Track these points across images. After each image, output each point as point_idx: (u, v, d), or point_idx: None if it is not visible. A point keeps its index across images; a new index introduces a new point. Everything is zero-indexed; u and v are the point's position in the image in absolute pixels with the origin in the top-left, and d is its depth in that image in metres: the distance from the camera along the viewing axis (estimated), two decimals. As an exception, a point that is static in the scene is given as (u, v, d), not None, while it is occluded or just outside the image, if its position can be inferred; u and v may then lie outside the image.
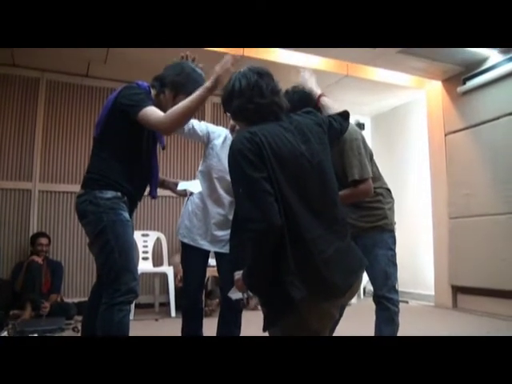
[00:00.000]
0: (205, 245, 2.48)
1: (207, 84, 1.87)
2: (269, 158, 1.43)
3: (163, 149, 2.32)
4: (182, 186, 2.47)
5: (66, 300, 4.66)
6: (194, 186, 2.49)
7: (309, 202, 1.46)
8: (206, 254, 2.53)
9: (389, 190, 2.53)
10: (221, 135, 2.55)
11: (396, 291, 2.39)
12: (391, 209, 2.48)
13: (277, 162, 1.44)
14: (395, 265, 2.42)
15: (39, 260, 4.38)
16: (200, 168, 2.60)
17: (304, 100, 2.11)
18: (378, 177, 2.44)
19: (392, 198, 2.54)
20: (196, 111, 1.98)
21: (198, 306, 2.56)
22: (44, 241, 4.58)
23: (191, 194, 2.51)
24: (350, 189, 2.23)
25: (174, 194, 2.62)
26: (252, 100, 1.54)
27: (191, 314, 2.54)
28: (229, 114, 1.66)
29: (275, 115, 1.57)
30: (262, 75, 1.59)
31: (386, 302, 2.34)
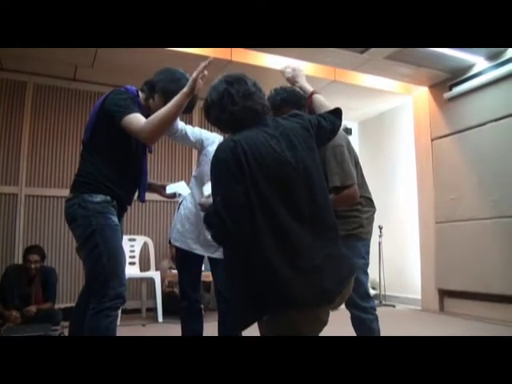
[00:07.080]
0: (197, 249, 2.49)
1: (184, 89, 1.88)
2: (251, 168, 1.43)
3: (150, 152, 2.32)
4: (170, 188, 2.46)
5: (52, 306, 4.59)
6: (182, 188, 2.47)
7: (296, 210, 1.46)
8: (200, 257, 2.54)
9: (370, 199, 2.51)
10: (214, 141, 2.55)
11: (370, 298, 2.40)
12: (369, 218, 2.46)
13: (260, 171, 1.44)
14: (366, 273, 2.43)
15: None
16: (194, 173, 2.64)
17: (289, 100, 2.10)
18: (360, 184, 2.38)
19: (373, 206, 2.52)
20: (175, 117, 1.98)
21: (196, 305, 2.56)
22: (34, 257, 4.12)
23: (179, 195, 2.50)
24: (332, 195, 2.18)
25: (161, 198, 2.61)
26: (225, 109, 1.59)
27: (190, 313, 2.53)
28: None
29: (253, 119, 1.58)
30: (231, 82, 1.61)
31: (360, 313, 2.32)
